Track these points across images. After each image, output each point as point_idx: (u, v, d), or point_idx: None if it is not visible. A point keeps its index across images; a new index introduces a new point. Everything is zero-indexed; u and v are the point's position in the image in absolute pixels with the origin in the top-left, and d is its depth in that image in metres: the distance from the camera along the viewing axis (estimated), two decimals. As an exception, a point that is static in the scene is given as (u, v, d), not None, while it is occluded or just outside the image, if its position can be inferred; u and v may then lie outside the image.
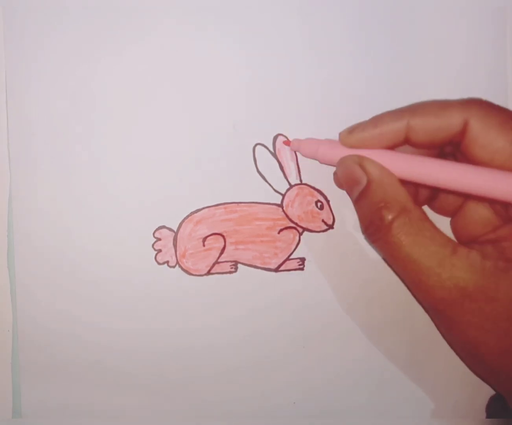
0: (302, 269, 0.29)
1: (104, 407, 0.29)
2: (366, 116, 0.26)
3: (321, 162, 0.28)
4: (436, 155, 0.26)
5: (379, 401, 0.30)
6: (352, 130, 0.26)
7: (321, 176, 0.29)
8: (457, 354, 0.28)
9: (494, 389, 0.28)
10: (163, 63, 0.29)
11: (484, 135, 0.23)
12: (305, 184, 0.29)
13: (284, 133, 0.29)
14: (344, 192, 0.27)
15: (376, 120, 0.25)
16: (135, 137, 0.29)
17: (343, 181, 0.26)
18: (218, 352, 0.29)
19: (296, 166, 0.29)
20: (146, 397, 0.29)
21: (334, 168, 0.28)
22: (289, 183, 0.29)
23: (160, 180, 0.29)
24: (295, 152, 0.29)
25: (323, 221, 0.29)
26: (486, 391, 0.29)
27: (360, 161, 0.25)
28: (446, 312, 0.24)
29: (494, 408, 0.29)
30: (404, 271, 0.24)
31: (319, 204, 0.29)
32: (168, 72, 0.29)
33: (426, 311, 0.28)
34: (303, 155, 0.28)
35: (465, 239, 0.27)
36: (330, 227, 0.29)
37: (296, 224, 0.29)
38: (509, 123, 0.23)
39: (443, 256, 0.23)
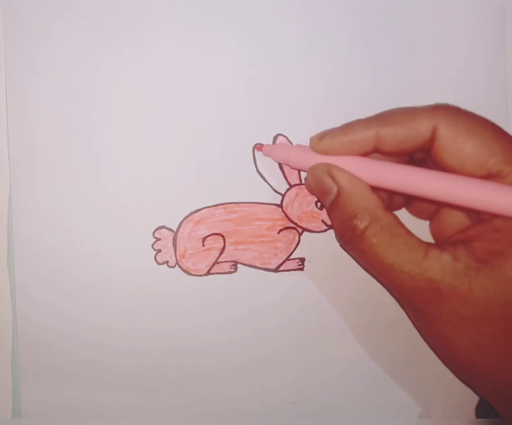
0: (302, 269, 0.29)
1: (104, 407, 0.29)
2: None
3: (292, 168, 0.28)
4: (406, 162, 0.26)
5: (379, 401, 0.30)
6: (322, 136, 0.25)
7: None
8: (433, 351, 0.28)
9: (472, 390, 0.28)
10: (163, 63, 0.29)
11: (452, 142, 0.23)
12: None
13: (284, 133, 0.29)
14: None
15: (346, 128, 0.25)
16: (135, 137, 0.29)
17: (314, 190, 0.26)
18: (218, 352, 0.29)
19: (296, 166, 0.29)
20: (146, 396, 0.29)
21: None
22: (289, 183, 0.29)
23: (160, 180, 0.29)
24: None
25: (323, 221, 0.29)
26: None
27: (329, 171, 0.25)
28: (422, 311, 0.24)
29: (484, 408, 0.28)
30: (379, 275, 0.25)
31: (319, 204, 0.29)
32: (168, 72, 0.29)
33: (403, 308, 0.28)
34: (275, 161, 0.28)
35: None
36: (330, 227, 0.29)
37: (296, 224, 0.29)
38: (476, 128, 0.23)
39: (416, 260, 0.23)
